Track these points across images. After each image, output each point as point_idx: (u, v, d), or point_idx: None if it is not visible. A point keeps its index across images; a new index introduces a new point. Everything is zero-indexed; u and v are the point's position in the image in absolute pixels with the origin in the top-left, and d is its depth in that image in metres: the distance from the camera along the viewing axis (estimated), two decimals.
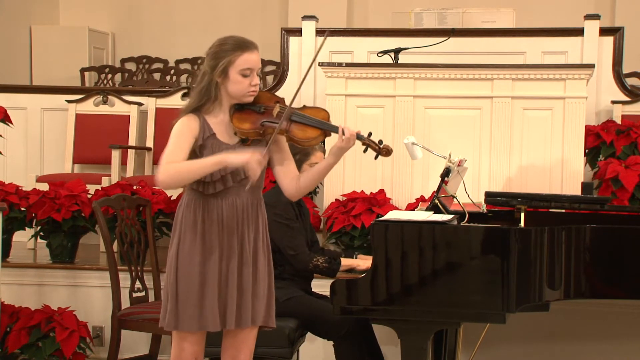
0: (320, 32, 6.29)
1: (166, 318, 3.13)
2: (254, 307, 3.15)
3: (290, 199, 3.31)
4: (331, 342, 4.12)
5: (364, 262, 4.17)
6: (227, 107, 3.15)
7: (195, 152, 3.11)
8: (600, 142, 5.40)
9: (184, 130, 3.09)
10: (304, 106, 3.25)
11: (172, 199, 5.26)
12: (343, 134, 3.10)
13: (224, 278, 3.11)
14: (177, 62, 9.40)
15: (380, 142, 3.17)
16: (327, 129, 3.14)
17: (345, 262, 4.17)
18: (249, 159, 3.00)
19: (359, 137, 3.16)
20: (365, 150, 3.19)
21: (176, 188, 3.07)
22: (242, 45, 3.10)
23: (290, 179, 3.23)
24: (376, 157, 3.21)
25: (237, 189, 3.13)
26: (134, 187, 5.22)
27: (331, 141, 3.23)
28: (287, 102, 3.16)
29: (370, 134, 3.18)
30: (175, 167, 3.04)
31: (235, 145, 3.15)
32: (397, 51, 5.33)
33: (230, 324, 3.12)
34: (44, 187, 5.49)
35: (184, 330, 3.13)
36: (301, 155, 3.95)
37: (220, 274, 3.11)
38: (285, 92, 5.92)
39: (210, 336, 3.29)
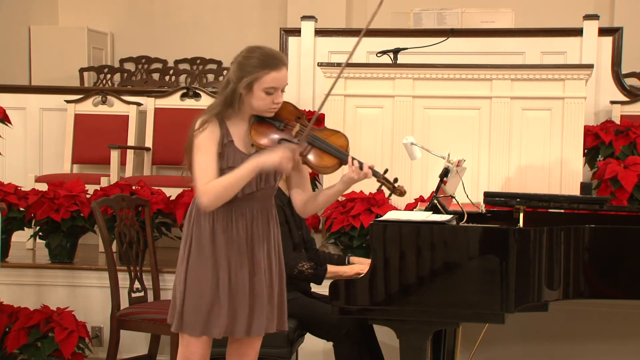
0: (319, 31, 6.29)
1: (174, 320, 3.13)
2: (268, 316, 3.15)
3: (300, 215, 3.36)
4: (331, 343, 4.11)
5: (350, 268, 4.07)
6: (247, 117, 3.12)
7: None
8: (599, 142, 5.40)
9: (209, 144, 3.05)
10: (325, 127, 3.22)
11: (171, 199, 5.25)
12: (353, 164, 3.11)
13: (233, 287, 3.09)
14: (176, 62, 9.40)
15: (396, 180, 3.18)
16: (344, 159, 3.12)
17: (332, 269, 4.06)
18: (280, 159, 3.01)
19: (374, 173, 3.14)
20: (379, 188, 3.22)
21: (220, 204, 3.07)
22: (272, 63, 3.04)
23: (304, 200, 3.28)
24: (389, 196, 3.23)
25: (247, 198, 3.11)
26: (133, 187, 5.22)
27: None
28: (308, 122, 3.10)
29: (386, 171, 3.18)
30: (217, 186, 3.02)
31: (251, 155, 3.11)
32: (396, 51, 5.33)
33: (240, 332, 3.11)
34: (43, 187, 5.48)
35: (189, 334, 3.12)
36: None
37: (229, 283, 3.09)
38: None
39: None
